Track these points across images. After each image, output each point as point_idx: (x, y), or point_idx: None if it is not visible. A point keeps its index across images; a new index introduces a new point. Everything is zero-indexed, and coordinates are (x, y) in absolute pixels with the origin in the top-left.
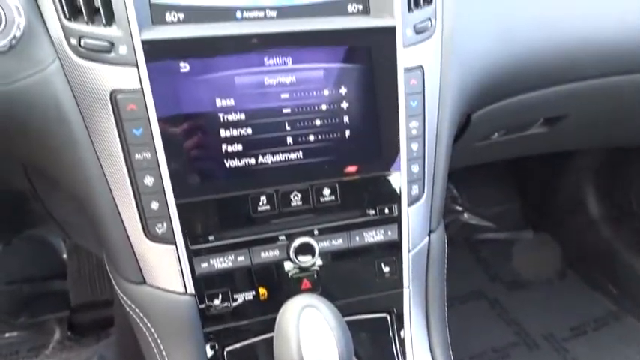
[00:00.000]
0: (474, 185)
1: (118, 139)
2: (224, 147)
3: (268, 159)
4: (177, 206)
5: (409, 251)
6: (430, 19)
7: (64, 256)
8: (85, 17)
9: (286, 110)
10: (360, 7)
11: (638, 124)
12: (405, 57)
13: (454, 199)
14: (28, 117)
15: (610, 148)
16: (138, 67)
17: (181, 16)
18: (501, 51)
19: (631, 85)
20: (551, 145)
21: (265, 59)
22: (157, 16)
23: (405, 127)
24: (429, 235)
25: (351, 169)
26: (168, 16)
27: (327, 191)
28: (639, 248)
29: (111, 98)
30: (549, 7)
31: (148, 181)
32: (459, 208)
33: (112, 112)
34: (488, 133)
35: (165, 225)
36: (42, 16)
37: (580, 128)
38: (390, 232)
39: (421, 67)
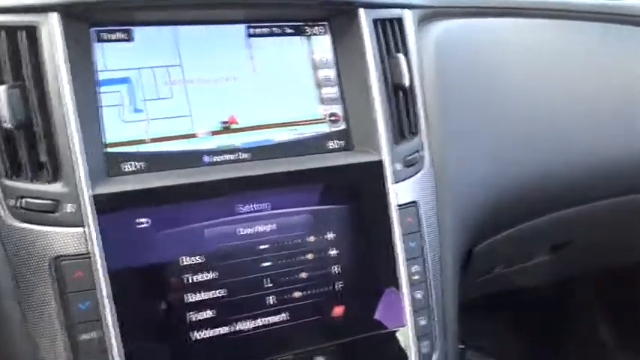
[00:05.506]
0: (472, 317)
1: (60, 316)
2: (189, 315)
3: (246, 325)
4: None
5: None
6: (418, 151)
7: None
8: (29, 174)
9: (266, 264)
10: (342, 142)
11: None
12: (397, 193)
13: None
14: None
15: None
16: (86, 227)
17: (142, 165)
18: (496, 181)
19: (630, 204)
20: (556, 273)
21: (240, 207)
22: (114, 167)
23: (406, 272)
24: None
25: (347, 328)
26: (127, 167)
27: (320, 359)
28: None
29: (53, 265)
30: (538, 133)
31: None
32: (461, 346)
33: (53, 283)
34: (491, 266)
35: None
36: None
37: (584, 252)
38: None
39: (415, 204)
